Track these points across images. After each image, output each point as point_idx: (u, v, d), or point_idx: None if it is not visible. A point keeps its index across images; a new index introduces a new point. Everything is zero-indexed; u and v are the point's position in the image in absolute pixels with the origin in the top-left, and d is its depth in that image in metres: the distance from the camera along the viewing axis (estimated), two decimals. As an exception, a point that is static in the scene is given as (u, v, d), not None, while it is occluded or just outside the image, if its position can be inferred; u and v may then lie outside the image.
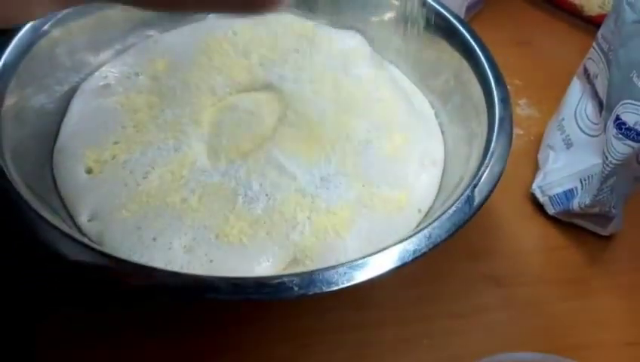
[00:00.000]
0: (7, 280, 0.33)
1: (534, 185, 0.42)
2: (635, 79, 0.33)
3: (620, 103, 0.34)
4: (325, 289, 0.27)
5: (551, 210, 0.41)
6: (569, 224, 0.41)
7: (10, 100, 0.34)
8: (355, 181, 0.36)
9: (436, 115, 0.42)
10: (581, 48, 0.42)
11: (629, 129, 0.34)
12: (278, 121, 0.39)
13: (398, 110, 0.41)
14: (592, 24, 0.54)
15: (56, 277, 0.33)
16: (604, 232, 0.40)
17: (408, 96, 0.43)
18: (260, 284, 0.26)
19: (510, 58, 0.51)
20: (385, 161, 0.38)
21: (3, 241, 0.31)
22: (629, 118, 0.34)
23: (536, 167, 0.44)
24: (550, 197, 0.41)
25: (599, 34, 0.38)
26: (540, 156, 0.44)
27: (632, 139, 0.34)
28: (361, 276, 0.28)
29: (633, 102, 0.34)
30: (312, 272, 0.27)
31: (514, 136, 0.42)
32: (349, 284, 0.27)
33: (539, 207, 0.42)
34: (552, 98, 0.45)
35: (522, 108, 0.48)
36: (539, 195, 0.42)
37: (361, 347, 0.34)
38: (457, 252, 0.38)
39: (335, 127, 0.39)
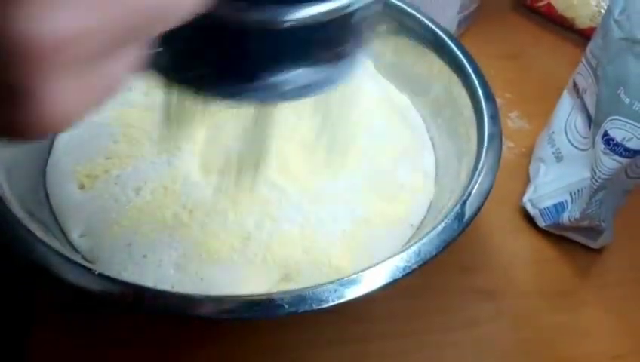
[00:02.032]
0: (3, 285, 0.33)
1: (525, 198, 0.43)
2: (622, 95, 0.34)
3: (608, 119, 0.35)
4: (315, 306, 0.27)
5: (541, 223, 0.41)
6: (560, 237, 0.41)
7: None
8: (347, 195, 0.36)
9: (427, 129, 0.42)
10: (572, 61, 0.43)
11: (617, 145, 0.34)
12: (270, 135, 0.39)
13: (391, 124, 0.41)
14: (582, 37, 0.55)
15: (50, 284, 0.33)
16: (595, 245, 0.41)
17: (401, 110, 0.43)
18: (250, 303, 0.26)
19: (502, 71, 0.51)
20: (377, 175, 0.38)
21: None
22: (617, 134, 0.34)
23: (527, 180, 0.44)
24: (541, 210, 0.41)
25: (588, 50, 0.39)
26: (531, 169, 0.44)
27: (620, 155, 0.35)
28: (351, 293, 0.28)
29: (621, 118, 0.34)
30: (302, 290, 0.27)
31: (504, 148, 0.42)
32: (339, 302, 0.27)
33: (530, 219, 0.42)
34: (542, 111, 0.45)
35: (513, 121, 0.49)
36: (529, 208, 0.42)
37: (352, 361, 0.34)
38: (449, 265, 0.38)
39: (328, 141, 0.39)
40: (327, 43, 0.19)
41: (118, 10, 0.12)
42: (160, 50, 0.15)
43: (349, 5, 0.18)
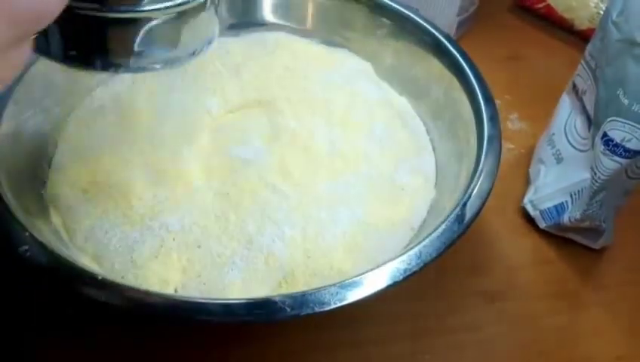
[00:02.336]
0: (5, 287, 0.33)
1: (525, 200, 0.43)
2: (621, 97, 0.34)
3: (607, 120, 0.35)
4: (317, 309, 0.27)
5: (542, 224, 0.41)
6: (560, 238, 0.41)
7: (6, 123, 0.35)
8: (347, 198, 0.37)
9: (427, 132, 0.42)
10: (572, 62, 0.43)
11: (617, 145, 0.35)
12: (270, 139, 0.39)
13: (391, 126, 0.42)
14: (582, 38, 0.55)
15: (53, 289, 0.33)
16: (595, 246, 0.41)
17: (401, 112, 0.43)
18: (252, 306, 0.26)
19: (501, 73, 0.52)
20: (378, 178, 0.38)
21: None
22: (616, 135, 0.34)
23: (527, 181, 0.44)
24: (541, 212, 0.41)
25: (586, 51, 0.39)
26: (531, 170, 0.45)
27: (620, 155, 0.35)
28: (352, 296, 0.28)
29: (620, 119, 0.34)
30: (304, 293, 0.27)
31: (504, 150, 0.43)
32: (341, 304, 0.27)
33: (530, 220, 0.42)
34: (542, 112, 0.46)
35: (513, 123, 0.49)
36: (530, 209, 0.42)
37: (356, 364, 0.34)
38: (450, 267, 0.38)
39: (327, 144, 0.40)
40: (173, 32, 0.26)
41: (6, 20, 0.18)
42: (50, 37, 0.24)
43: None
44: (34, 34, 0.20)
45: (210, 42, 0.29)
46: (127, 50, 0.25)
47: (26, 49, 0.20)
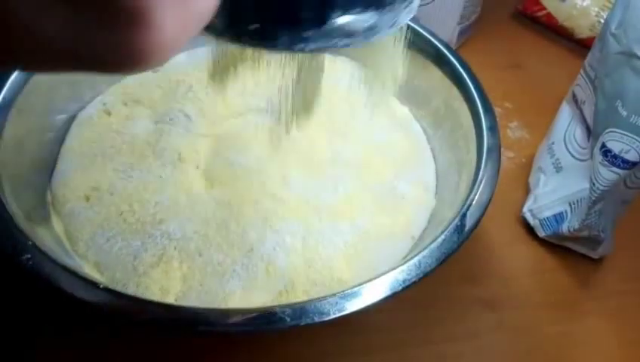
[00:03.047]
0: (8, 297, 0.34)
1: (525, 209, 0.43)
2: (619, 108, 0.34)
3: (606, 131, 0.35)
4: (317, 319, 0.27)
5: (541, 233, 0.42)
6: (560, 247, 0.42)
7: (10, 130, 0.35)
8: (348, 207, 0.37)
9: (428, 141, 0.42)
10: (572, 71, 0.43)
11: (615, 156, 0.35)
12: (271, 147, 0.40)
13: (392, 135, 0.42)
14: (582, 47, 0.55)
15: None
16: (595, 255, 0.41)
17: (402, 121, 0.43)
18: (252, 316, 0.27)
19: (502, 81, 0.52)
20: (378, 187, 0.38)
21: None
22: (615, 146, 0.35)
23: (527, 190, 0.45)
24: (540, 221, 0.42)
25: (586, 62, 0.39)
26: (531, 179, 0.45)
27: (618, 166, 0.35)
28: (352, 306, 0.28)
29: (618, 130, 0.34)
30: (303, 303, 0.27)
31: (504, 159, 0.43)
32: (340, 314, 0.28)
33: (530, 229, 0.43)
34: (542, 121, 0.46)
35: (513, 131, 0.49)
36: (529, 218, 0.42)
37: (355, 372, 0.35)
38: (450, 276, 0.38)
39: (329, 152, 0.40)
40: None
41: None
42: (226, 9, 0.17)
43: None
44: None
45: (409, 12, 0.23)
46: (321, 16, 0.20)
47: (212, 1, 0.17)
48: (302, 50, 0.21)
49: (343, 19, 0.20)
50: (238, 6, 0.19)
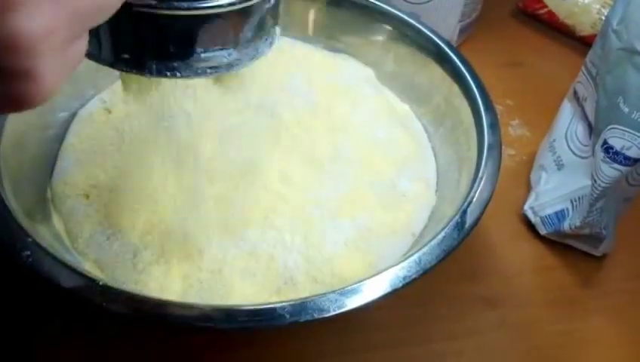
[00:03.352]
0: (8, 295, 0.34)
1: (526, 206, 0.43)
2: (621, 105, 0.34)
3: (608, 128, 0.35)
4: (317, 316, 0.27)
5: (543, 231, 0.41)
6: (561, 244, 0.41)
7: (10, 127, 0.35)
8: (348, 204, 0.37)
9: (429, 138, 0.42)
10: (574, 68, 0.43)
11: (617, 153, 0.35)
12: (272, 145, 0.39)
13: (393, 133, 0.42)
14: (584, 44, 0.55)
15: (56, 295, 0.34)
16: (597, 253, 0.41)
17: (402, 119, 0.43)
18: (252, 312, 0.27)
19: (503, 78, 0.52)
20: (379, 184, 0.38)
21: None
22: (617, 143, 0.34)
23: (528, 187, 0.44)
24: (542, 218, 0.41)
25: (587, 59, 0.39)
26: (532, 176, 0.45)
27: (620, 163, 0.35)
28: (352, 303, 0.28)
29: (620, 127, 0.34)
30: (303, 300, 0.27)
31: (506, 156, 0.43)
32: (340, 311, 0.28)
33: (531, 227, 0.42)
34: (544, 118, 0.46)
35: (514, 129, 0.49)
36: (531, 216, 0.42)
37: (355, 370, 0.35)
38: (451, 273, 0.38)
39: (329, 150, 0.40)
40: (235, 29, 0.24)
41: (71, 9, 0.17)
42: (101, 38, 0.22)
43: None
44: (94, 26, 0.19)
45: (271, 43, 0.27)
46: (185, 51, 0.23)
47: (84, 45, 0.19)
48: (174, 76, 0.24)
49: (205, 55, 0.24)
50: (115, 39, 0.23)
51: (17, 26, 0.16)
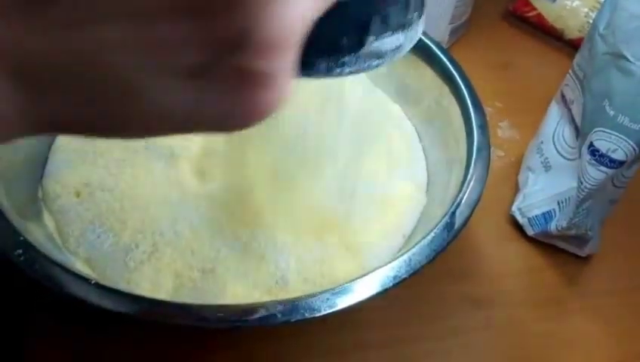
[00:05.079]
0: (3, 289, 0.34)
1: (514, 207, 0.43)
2: (607, 108, 0.35)
3: (594, 130, 0.36)
4: (308, 315, 0.27)
5: (530, 232, 0.42)
6: (548, 245, 0.42)
7: (0, 126, 0.35)
8: (340, 204, 0.37)
9: (420, 139, 0.43)
10: (562, 71, 0.43)
11: (603, 155, 0.35)
12: (263, 144, 0.40)
13: (384, 133, 0.42)
14: (572, 47, 0.56)
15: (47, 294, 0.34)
16: (582, 253, 0.41)
17: (393, 120, 0.44)
18: (243, 312, 0.27)
19: (492, 80, 0.52)
20: (370, 185, 0.39)
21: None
22: (602, 145, 0.35)
23: (516, 189, 0.45)
24: (529, 219, 0.42)
25: (574, 62, 0.40)
26: (520, 178, 0.45)
27: (606, 166, 0.35)
28: (343, 302, 0.28)
29: (606, 130, 0.35)
30: (294, 299, 0.28)
31: (494, 157, 0.43)
32: (331, 311, 0.28)
33: (518, 228, 0.43)
34: (532, 120, 0.46)
35: (503, 131, 0.50)
36: (518, 217, 0.43)
37: (345, 369, 0.35)
38: (439, 274, 0.39)
39: (322, 149, 0.40)
40: (405, 10, 0.22)
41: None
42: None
43: None
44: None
45: (423, 23, 0.24)
46: (358, 42, 0.21)
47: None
48: (339, 75, 0.21)
49: (376, 44, 0.21)
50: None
51: (282, 16, 0.13)
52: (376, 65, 0.22)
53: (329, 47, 0.21)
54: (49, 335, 0.34)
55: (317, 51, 0.20)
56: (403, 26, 0.22)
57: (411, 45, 0.24)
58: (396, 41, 0.22)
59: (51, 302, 0.33)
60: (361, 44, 0.21)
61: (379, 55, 0.22)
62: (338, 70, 0.21)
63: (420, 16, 0.24)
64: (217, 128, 0.16)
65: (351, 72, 0.21)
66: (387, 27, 0.22)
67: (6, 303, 0.34)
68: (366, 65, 0.22)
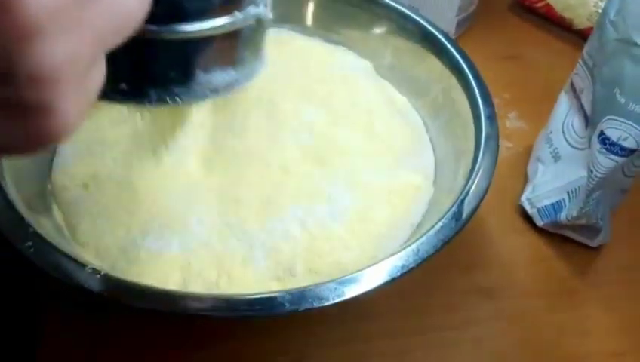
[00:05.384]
0: (10, 285, 0.34)
1: (523, 197, 0.43)
2: (617, 96, 0.34)
3: (604, 119, 0.35)
4: (316, 305, 0.27)
5: (539, 222, 0.42)
6: (558, 235, 0.42)
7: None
8: (348, 195, 0.37)
9: (427, 130, 0.43)
10: (571, 61, 0.43)
11: (613, 144, 0.35)
12: (270, 136, 0.40)
13: (392, 124, 0.42)
14: (581, 37, 0.55)
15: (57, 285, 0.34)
16: (592, 244, 0.41)
17: (401, 110, 0.43)
18: (251, 301, 0.27)
19: (500, 71, 0.52)
20: (378, 175, 0.38)
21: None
22: (613, 134, 0.35)
23: (525, 179, 0.45)
24: (539, 209, 0.42)
25: (584, 50, 0.39)
26: (529, 168, 0.45)
27: (616, 154, 0.35)
28: (351, 291, 0.28)
29: (616, 118, 0.34)
30: (302, 288, 0.28)
31: (503, 148, 0.43)
32: (339, 300, 0.28)
33: (528, 218, 0.43)
34: (541, 111, 0.46)
35: (512, 121, 0.49)
36: (527, 207, 0.43)
37: (355, 360, 0.35)
38: (448, 264, 0.38)
39: (328, 141, 0.40)
40: (234, 49, 0.24)
41: (95, 31, 0.16)
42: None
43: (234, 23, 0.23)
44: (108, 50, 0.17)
45: (263, 61, 0.26)
46: (186, 75, 0.23)
47: (102, 71, 0.17)
48: (174, 103, 0.23)
49: (206, 77, 0.23)
50: (113, 69, 0.20)
51: (41, 54, 0.14)
52: (213, 97, 0.24)
53: (158, 78, 0.22)
54: (61, 323, 0.34)
55: (148, 81, 0.22)
56: (234, 62, 0.24)
57: (249, 81, 0.25)
58: (228, 77, 0.24)
59: (61, 293, 0.33)
60: (189, 77, 0.23)
61: (212, 88, 0.23)
62: (170, 100, 0.23)
63: (256, 56, 0.25)
64: (7, 151, 0.17)
65: (187, 101, 0.23)
66: (214, 63, 0.23)
67: (17, 295, 0.35)
68: (201, 95, 0.23)
